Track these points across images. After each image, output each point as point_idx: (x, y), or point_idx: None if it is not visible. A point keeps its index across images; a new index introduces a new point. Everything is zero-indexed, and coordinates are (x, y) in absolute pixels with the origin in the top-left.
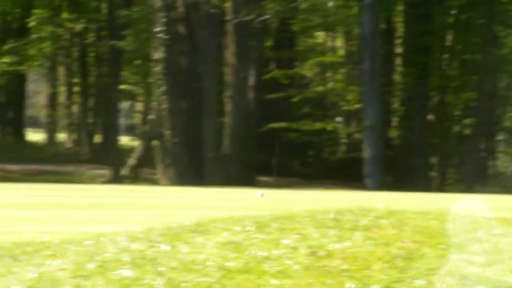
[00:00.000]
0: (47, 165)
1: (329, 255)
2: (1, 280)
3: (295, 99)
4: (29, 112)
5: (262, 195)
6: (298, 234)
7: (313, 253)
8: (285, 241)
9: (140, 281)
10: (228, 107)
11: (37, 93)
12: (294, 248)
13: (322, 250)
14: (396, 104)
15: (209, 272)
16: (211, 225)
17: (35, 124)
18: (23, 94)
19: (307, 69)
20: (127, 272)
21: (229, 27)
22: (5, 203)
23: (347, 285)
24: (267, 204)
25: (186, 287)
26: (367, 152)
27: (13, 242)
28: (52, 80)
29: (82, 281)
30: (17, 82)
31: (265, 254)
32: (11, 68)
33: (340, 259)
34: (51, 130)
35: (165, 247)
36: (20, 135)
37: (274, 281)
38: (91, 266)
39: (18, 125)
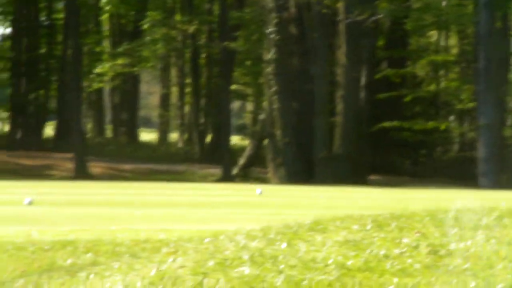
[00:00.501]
0: (160, 165)
1: (451, 254)
2: (124, 277)
3: (407, 98)
4: (142, 113)
5: (260, 192)
6: (418, 232)
7: (434, 252)
8: (405, 240)
9: (261, 279)
10: (340, 106)
11: (150, 94)
12: (414, 247)
13: (443, 249)
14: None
15: (329, 270)
16: (330, 223)
17: (148, 124)
18: (136, 95)
19: (419, 68)
20: (247, 270)
21: (341, 27)
22: (121, 201)
23: (472, 284)
24: (383, 203)
25: (307, 285)
26: (481, 151)
27: (132, 239)
28: (165, 81)
29: (202, 278)
30: (131, 83)
31: (385, 252)
32: (125, 70)
33: (462, 258)
34: (164, 130)
35: (284, 245)
36: (133, 135)
37: (395, 280)
38: (211, 263)
39: (131, 126)
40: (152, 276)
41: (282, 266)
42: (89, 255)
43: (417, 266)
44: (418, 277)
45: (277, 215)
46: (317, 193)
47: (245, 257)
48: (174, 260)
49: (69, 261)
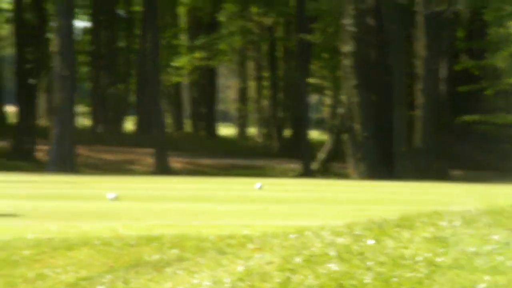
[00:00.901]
0: (239, 159)
1: None
2: (211, 273)
3: (487, 91)
4: (220, 107)
5: (260, 187)
6: (508, 229)
7: None
8: (495, 237)
9: (349, 275)
10: (419, 99)
11: (227, 88)
12: (505, 243)
13: None
14: None
15: (418, 268)
16: (416, 219)
17: (226, 118)
18: (214, 89)
19: (499, 60)
20: (334, 267)
21: (420, 19)
22: (203, 197)
23: None
24: (468, 199)
25: (396, 283)
26: None
27: (216, 235)
28: (242, 75)
29: (290, 274)
30: (208, 77)
31: (475, 250)
32: (202, 63)
33: None
34: (242, 124)
35: (370, 242)
36: (212, 129)
37: (486, 278)
38: (298, 260)
39: (210, 120)
40: (240, 272)
41: (370, 263)
42: (175, 250)
43: (509, 263)
44: (510, 275)
45: (361, 211)
46: (399, 188)
47: (332, 253)
48: (261, 256)
49: (155, 257)
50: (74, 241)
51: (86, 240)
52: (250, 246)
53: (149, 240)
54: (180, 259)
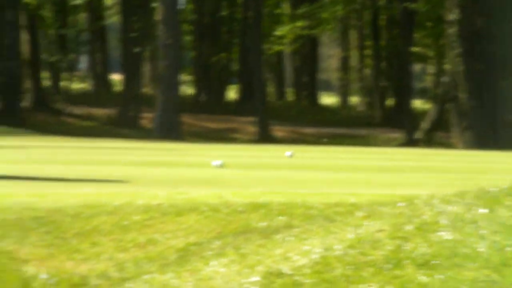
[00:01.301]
0: (340, 128)
1: None
2: (321, 240)
3: None
4: (322, 76)
5: (290, 155)
6: None
7: None
8: None
9: (462, 244)
10: None
11: (329, 57)
12: None
13: None
14: None
15: None
16: None
17: (328, 87)
18: (316, 58)
19: None
20: (447, 235)
21: None
22: (307, 165)
23: None
24: None
25: (511, 252)
26: None
27: (323, 203)
28: (344, 44)
29: (401, 242)
30: (310, 46)
31: None
32: (304, 33)
33: None
34: (344, 93)
35: (483, 210)
36: (314, 98)
37: None
38: (409, 228)
39: (311, 89)
40: (351, 239)
41: (483, 231)
42: (282, 217)
43: None
44: None
45: (470, 180)
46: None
47: (444, 221)
48: (370, 224)
49: (263, 224)
50: (182, 207)
51: (194, 206)
52: (359, 214)
53: (257, 207)
54: (288, 226)
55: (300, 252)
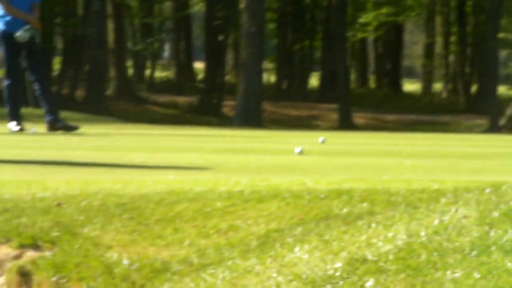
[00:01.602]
0: (424, 115)
1: None
2: (405, 226)
3: None
4: (405, 63)
5: (323, 141)
6: None
7: None
8: None
9: None
10: None
11: (413, 44)
12: None
13: None
14: None
15: None
16: None
17: (411, 74)
18: (400, 45)
19: None
20: None
21: None
22: (389, 152)
23: None
24: None
25: None
26: None
27: (406, 189)
28: (429, 30)
29: (488, 229)
30: (395, 33)
31: None
32: (389, 19)
33: None
34: (427, 80)
35: None
36: (396, 85)
37: None
38: (496, 214)
39: (394, 76)
40: (435, 226)
41: None
42: (364, 204)
43: None
44: None
45: None
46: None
47: None
48: (456, 210)
49: (345, 210)
50: (264, 193)
51: (276, 193)
52: (443, 200)
53: (339, 193)
54: (371, 213)
55: (384, 239)
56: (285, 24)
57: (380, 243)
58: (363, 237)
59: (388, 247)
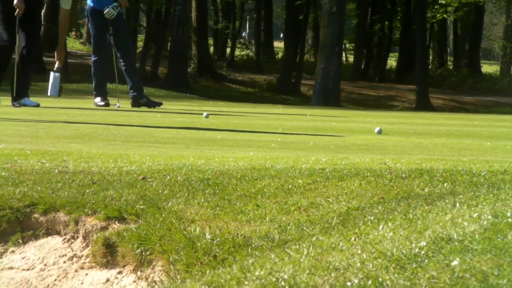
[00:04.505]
0: (502, 97)
1: None
2: (490, 206)
3: None
4: (484, 44)
5: (379, 131)
6: None
7: None
8: None
9: None
10: None
11: (493, 25)
12: None
13: None
14: None
15: None
16: None
17: (489, 56)
18: (480, 26)
19: None
20: None
21: None
22: (468, 133)
23: None
24: None
25: None
26: None
27: (487, 170)
28: (510, 12)
29: None
30: (475, 14)
31: None
32: (470, 0)
33: None
34: (506, 62)
35: None
36: (475, 67)
37: None
38: None
39: (473, 57)
40: None
41: None
42: (446, 184)
43: None
44: None
45: None
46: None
47: None
48: None
49: (426, 190)
50: (344, 172)
51: (356, 172)
52: None
53: (419, 173)
54: (453, 193)
55: (469, 218)
56: (365, 5)
57: (465, 223)
58: (448, 217)
59: (473, 226)
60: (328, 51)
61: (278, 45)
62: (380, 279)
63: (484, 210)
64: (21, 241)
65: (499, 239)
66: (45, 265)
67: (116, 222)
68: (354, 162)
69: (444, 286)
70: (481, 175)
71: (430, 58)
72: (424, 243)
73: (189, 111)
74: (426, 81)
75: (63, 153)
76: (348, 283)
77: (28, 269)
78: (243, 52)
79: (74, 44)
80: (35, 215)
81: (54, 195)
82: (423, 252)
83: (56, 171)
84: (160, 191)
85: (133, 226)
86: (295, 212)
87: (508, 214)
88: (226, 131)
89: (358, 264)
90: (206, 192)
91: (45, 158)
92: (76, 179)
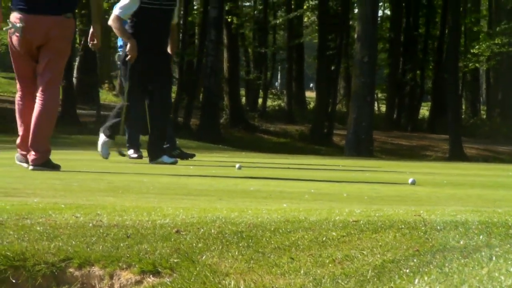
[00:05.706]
0: None
1: None
2: None
3: None
4: None
5: (413, 182)
6: None
7: None
8: None
9: None
10: None
11: None
12: None
13: None
14: None
15: None
16: None
17: None
18: None
19: None
20: None
21: None
22: (502, 184)
23: None
24: None
25: None
26: None
27: None
28: None
29: None
30: (507, 63)
31: None
32: (502, 49)
33: None
34: None
35: None
36: (508, 116)
37: None
38: None
39: (506, 106)
40: None
41: None
42: (481, 236)
43: None
44: None
45: None
46: None
47: None
48: None
49: (461, 242)
50: (379, 224)
51: (391, 224)
52: None
53: (455, 225)
54: (489, 246)
55: (505, 272)
56: (397, 54)
57: (502, 277)
58: (484, 271)
59: (510, 281)
60: (360, 101)
61: (310, 94)
62: None
63: None
64: None
65: None
66: None
67: (151, 276)
68: (388, 214)
69: None
70: None
71: (463, 107)
72: None
73: (221, 162)
74: (459, 131)
75: (97, 207)
76: None
77: None
78: (275, 102)
79: (107, 96)
80: (70, 270)
81: (88, 249)
82: None
83: (90, 225)
84: (194, 244)
85: (168, 280)
86: (330, 265)
87: None
88: (259, 183)
89: None
90: (240, 245)
91: (79, 212)
92: (110, 233)
